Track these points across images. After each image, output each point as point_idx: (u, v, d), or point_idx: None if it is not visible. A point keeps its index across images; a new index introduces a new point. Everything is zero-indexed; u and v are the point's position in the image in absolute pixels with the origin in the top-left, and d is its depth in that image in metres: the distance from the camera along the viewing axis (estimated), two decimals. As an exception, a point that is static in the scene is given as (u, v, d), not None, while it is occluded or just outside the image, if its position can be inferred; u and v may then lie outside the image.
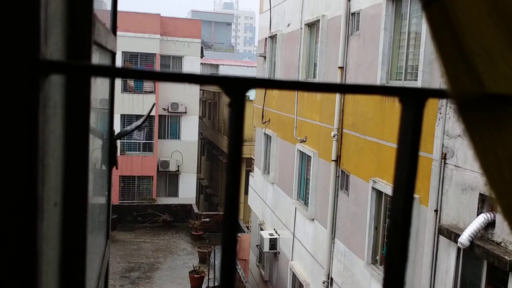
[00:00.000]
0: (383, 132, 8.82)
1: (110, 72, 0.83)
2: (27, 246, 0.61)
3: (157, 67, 26.03)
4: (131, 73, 0.53)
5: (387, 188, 8.54)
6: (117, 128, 3.83)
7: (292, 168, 13.56)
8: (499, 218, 5.97)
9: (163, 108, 26.96)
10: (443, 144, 7.06)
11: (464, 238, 6.14)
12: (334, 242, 10.91)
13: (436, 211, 7.15)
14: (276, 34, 15.36)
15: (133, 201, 26.40)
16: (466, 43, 0.50)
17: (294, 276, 13.33)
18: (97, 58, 1.55)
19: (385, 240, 8.12)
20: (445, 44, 0.52)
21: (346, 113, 10.43)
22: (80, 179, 1.01)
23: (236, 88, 0.50)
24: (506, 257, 5.69)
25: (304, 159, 12.99)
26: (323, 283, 11.13)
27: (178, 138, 27.95)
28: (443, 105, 7.02)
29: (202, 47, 28.47)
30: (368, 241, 9.25)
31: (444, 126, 7.02)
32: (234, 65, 35.11)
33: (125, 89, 26.11)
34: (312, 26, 12.65)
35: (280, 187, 14.88)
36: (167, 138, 27.85)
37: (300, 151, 13.02)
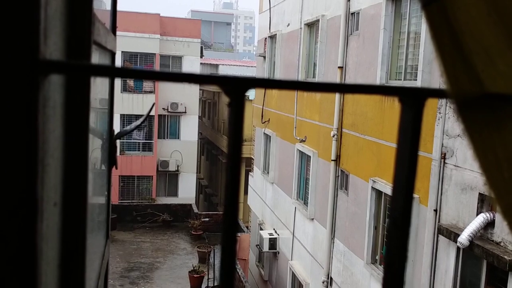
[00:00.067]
0: (382, 132, 8.82)
1: (110, 71, 0.83)
2: (27, 246, 0.61)
3: (157, 67, 26.01)
4: (130, 73, 0.53)
5: (387, 188, 8.53)
6: (116, 128, 3.83)
7: (291, 168, 13.56)
8: (499, 218, 5.97)
9: (163, 108, 26.96)
10: (442, 144, 7.06)
11: (464, 238, 6.14)
12: (333, 242, 10.91)
13: (435, 210, 7.15)
14: (275, 34, 15.35)
15: (133, 201, 26.39)
16: (465, 43, 0.50)
17: (293, 276, 13.33)
18: (96, 58, 1.55)
19: (385, 239, 8.11)
20: (444, 43, 0.52)
21: (345, 113, 10.43)
22: (80, 179, 1.01)
23: (236, 88, 0.50)
24: (505, 256, 5.69)
25: (304, 159, 12.99)
26: (323, 282, 11.13)
27: (178, 138, 27.94)
28: (443, 105, 7.02)
29: (201, 47, 28.48)
30: (367, 240, 9.25)
31: (443, 125, 7.02)
32: (234, 65, 35.07)
33: (124, 89, 26.10)
34: (312, 26, 12.65)
35: (280, 187, 14.88)
36: (167, 138, 27.84)
37: (300, 151, 13.02)
